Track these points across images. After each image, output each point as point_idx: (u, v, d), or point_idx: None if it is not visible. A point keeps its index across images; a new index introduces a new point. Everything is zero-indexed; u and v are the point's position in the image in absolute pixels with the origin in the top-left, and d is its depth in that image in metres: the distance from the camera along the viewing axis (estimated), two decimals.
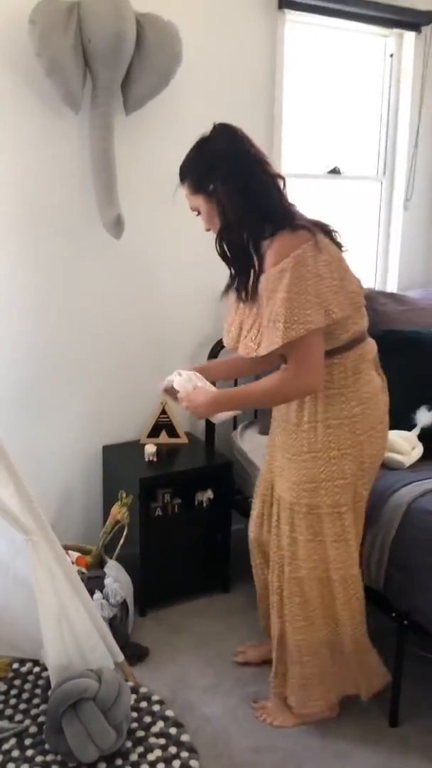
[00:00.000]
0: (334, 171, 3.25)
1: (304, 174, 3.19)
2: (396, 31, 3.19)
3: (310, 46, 3.10)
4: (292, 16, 2.94)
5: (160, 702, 2.17)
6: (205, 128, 2.72)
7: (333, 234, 1.88)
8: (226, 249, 1.90)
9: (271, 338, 1.81)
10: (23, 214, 2.58)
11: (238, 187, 1.81)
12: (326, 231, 1.87)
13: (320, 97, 3.20)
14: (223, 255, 1.92)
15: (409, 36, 3.20)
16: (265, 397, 1.96)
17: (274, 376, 1.90)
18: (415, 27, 3.16)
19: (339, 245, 1.89)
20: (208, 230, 1.94)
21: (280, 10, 2.85)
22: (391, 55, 3.26)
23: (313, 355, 1.82)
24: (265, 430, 2.76)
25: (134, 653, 2.40)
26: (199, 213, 1.93)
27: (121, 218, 2.56)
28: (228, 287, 2.00)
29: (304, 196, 3.18)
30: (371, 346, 2.01)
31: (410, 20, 3.12)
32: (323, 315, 1.78)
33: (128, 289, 2.82)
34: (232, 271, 1.95)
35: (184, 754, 1.96)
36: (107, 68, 2.41)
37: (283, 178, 1.90)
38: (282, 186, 1.88)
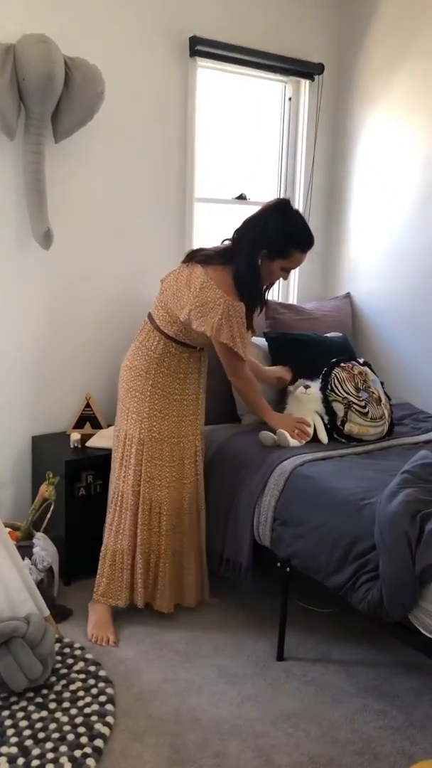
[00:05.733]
0: (241, 197, 3.71)
1: (214, 199, 3.63)
2: (293, 78, 3.69)
3: (221, 88, 3.56)
4: (203, 63, 3.39)
5: (81, 648, 2.51)
6: (124, 157, 3.22)
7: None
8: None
9: None
10: None
11: None
12: None
13: (230, 132, 3.66)
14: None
15: (305, 83, 3.71)
16: None
17: None
18: (309, 76, 3.67)
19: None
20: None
21: (191, 58, 3.30)
22: (290, 99, 3.76)
23: None
24: None
25: (59, 612, 2.72)
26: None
27: (50, 232, 2.94)
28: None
29: (215, 219, 3.64)
30: None
31: (305, 70, 3.63)
32: None
33: (56, 295, 3.16)
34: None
35: (101, 684, 2.30)
36: (39, 103, 2.78)
37: None
38: None
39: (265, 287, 2.69)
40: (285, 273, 2.62)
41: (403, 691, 2.37)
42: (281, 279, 2.68)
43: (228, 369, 2.64)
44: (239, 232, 2.57)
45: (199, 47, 3.26)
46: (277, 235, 2.49)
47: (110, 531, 2.72)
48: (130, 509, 2.66)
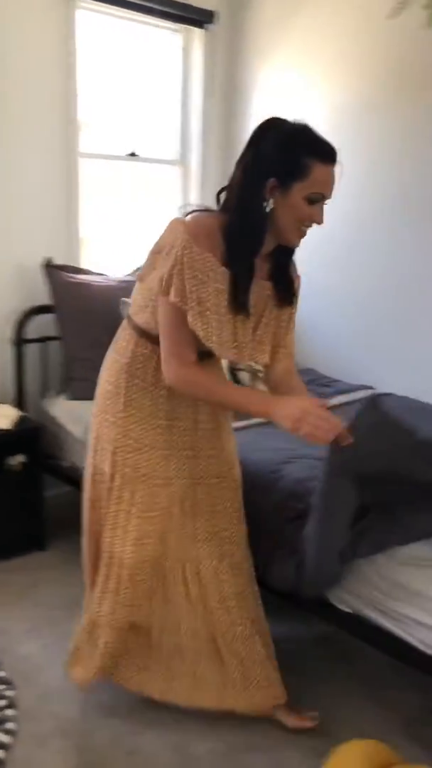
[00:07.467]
0: (133, 155, 3.47)
1: (101, 154, 3.36)
2: (185, 26, 3.47)
3: (109, 35, 3.29)
4: (84, 3, 3.10)
5: None
6: None
7: None
8: None
9: None
10: None
11: None
12: None
13: (120, 83, 3.39)
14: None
15: (197, 32, 3.50)
16: None
17: None
18: (199, 24, 3.46)
19: None
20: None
21: None
22: (183, 49, 3.53)
23: None
24: (74, 396, 2.94)
25: None
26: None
27: None
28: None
29: (105, 177, 3.40)
30: None
31: (195, 17, 3.42)
32: None
33: None
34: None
35: (1, 687, 2.11)
36: None
37: None
38: None
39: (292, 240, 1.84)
40: (315, 209, 1.73)
41: None
42: (316, 224, 1.79)
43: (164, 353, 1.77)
44: (230, 180, 1.82)
45: None
46: (279, 149, 1.71)
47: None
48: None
